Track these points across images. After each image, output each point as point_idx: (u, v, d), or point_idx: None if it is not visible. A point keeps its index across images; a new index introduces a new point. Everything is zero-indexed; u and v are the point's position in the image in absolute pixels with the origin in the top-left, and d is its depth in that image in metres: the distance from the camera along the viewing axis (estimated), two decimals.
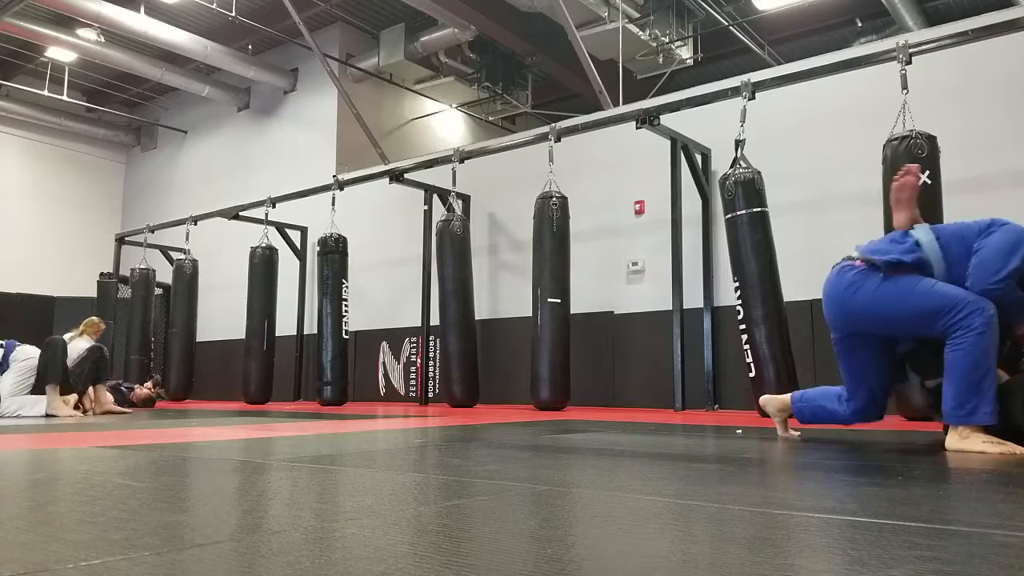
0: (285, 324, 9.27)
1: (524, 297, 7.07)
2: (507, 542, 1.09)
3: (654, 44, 9.40)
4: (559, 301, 6.34)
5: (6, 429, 3.97)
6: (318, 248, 8.03)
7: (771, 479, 1.93)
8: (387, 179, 7.84)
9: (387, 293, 9.04)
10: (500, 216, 8.19)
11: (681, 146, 6.31)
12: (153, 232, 10.26)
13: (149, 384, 7.77)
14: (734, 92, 5.56)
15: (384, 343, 8.96)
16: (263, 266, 8.69)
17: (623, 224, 7.27)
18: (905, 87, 4.70)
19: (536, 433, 3.47)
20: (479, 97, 11.72)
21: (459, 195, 7.52)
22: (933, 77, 5.44)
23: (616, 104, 7.73)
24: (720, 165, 6.21)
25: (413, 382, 8.63)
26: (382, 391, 8.92)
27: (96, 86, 12.40)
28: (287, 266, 9.22)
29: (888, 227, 4.64)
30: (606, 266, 7.28)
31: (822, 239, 6.11)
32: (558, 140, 6.55)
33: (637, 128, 5.98)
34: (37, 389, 5.69)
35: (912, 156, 4.54)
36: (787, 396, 3.06)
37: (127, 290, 9.98)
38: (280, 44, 10.75)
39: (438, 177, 7.79)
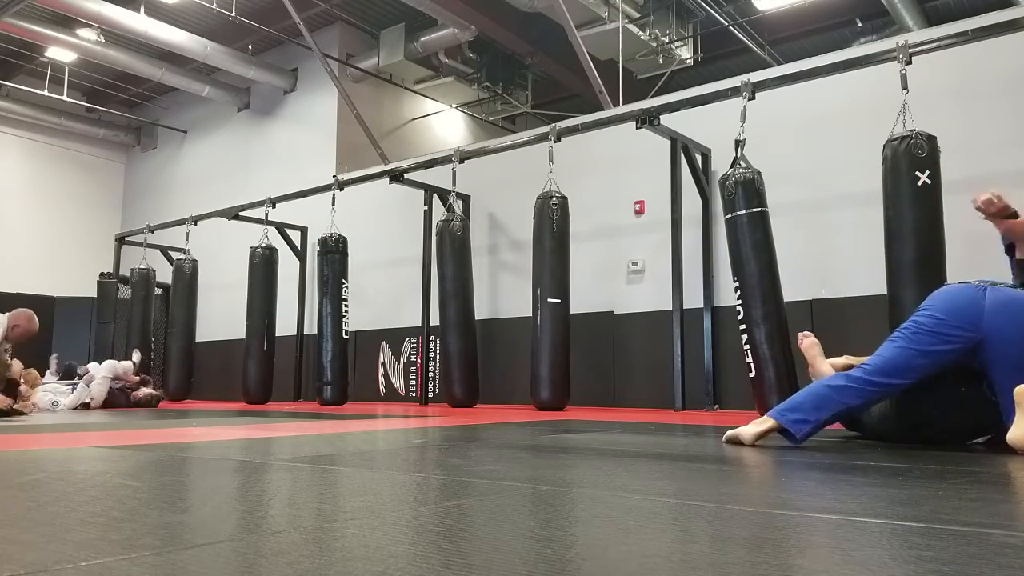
0: (285, 324, 9.27)
1: (524, 297, 7.07)
2: (507, 542, 1.09)
3: (654, 44, 9.40)
4: (559, 301, 6.34)
5: (6, 429, 3.97)
6: (318, 248, 8.03)
7: (771, 479, 1.93)
8: (387, 179, 7.84)
9: (387, 293, 9.04)
10: (500, 216, 8.19)
11: (681, 146, 6.31)
12: (153, 232, 10.26)
13: (151, 387, 7.78)
14: (734, 92, 5.56)
15: (384, 343, 8.96)
16: (263, 266, 8.69)
17: (623, 224, 7.27)
18: (905, 87, 4.70)
19: (536, 433, 3.47)
20: (479, 97, 11.72)
21: (459, 195, 7.52)
22: (933, 77, 5.44)
23: (616, 104, 7.73)
24: (720, 165, 6.21)
25: (413, 382, 8.63)
26: (382, 391, 8.92)
27: (96, 86, 12.40)
28: (287, 266, 9.22)
29: (889, 228, 4.65)
30: (606, 266, 7.28)
31: (822, 239, 6.12)
32: (558, 140, 6.55)
33: (637, 128, 5.98)
34: None
35: (912, 156, 4.54)
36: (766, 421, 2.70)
37: (127, 290, 9.98)
38: (280, 44, 10.75)
39: (438, 177, 7.79)
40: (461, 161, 7.22)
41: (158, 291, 10.20)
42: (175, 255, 9.91)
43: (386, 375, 8.92)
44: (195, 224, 9.67)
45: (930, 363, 2.58)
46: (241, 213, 9.08)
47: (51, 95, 11.25)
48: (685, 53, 9.82)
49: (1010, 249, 2.89)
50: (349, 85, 10.27)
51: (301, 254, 9.61)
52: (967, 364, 2.60)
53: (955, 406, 2.69)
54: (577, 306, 6.67)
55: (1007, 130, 5.42)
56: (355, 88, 10.41)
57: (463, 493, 1.60)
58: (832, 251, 6.08)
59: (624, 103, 7.69)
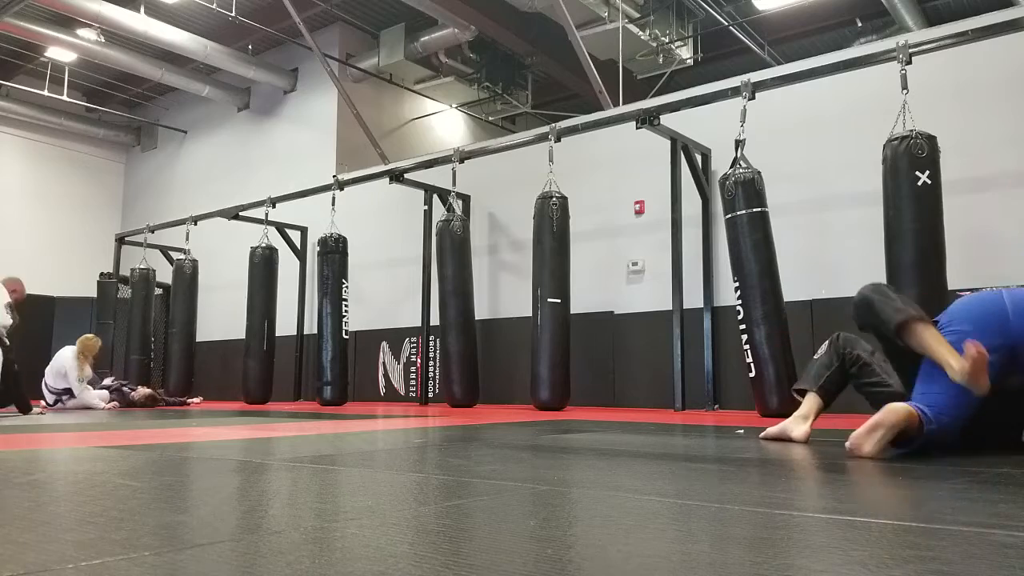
0: (285, 324, 9.27)
1: (524, 297, 7.07)
2: (507, 542, 1.09)
3: (654, 44, 9.40)
4: (559, 301, 6.34)
5: (6, 429, 3.97)
6: (318, 248, 8.03)
7: (771, 479, 1.93)
8: (387, 179, 7.84)
9: (387, 293, 9.04)
10: (500, 216, 8.19)
11: (681, 146, 6.31)
12: (153, 232, 10.26)
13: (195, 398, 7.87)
14: (734, 92, 5.57)
15: (384, 343, 8.96)
16: (263, 266, 8.69)
17: (623, 224, 7.27)
18: (905, 87, 4.70)
19: (536, 433, 3.47)
20: (479, 97, 11.72)
21: (459, 195, 7.52)
22: (933, 77, 5.44)
23: (616, 104, 7.73)
24: (720, 165, 6.21)
25: (413, 382, 8.63)
26: (382, 391, 8.92)
27: (96, 86, 12.40)
28: (287, 266, 9.22)
29: (889, 228, 4.65)
30: (606, 266, 7.28)
31: (822, 239, 6.12)
32: (558, 140, 6.55)
33: (637, 128, 5.98)
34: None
35: (912, 156, 4.54)
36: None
37: (127, 290, 9.98)
38: (280, 44, 10.75)
39: (438, 177, 7.79)
40: (461, 161, 7.22)
41: (158, 291, 10.20)
42: (175, 255, 9.91)
43: (386, 375, 8.92)
44: (195, 224, 9.67)
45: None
46: (241, 213, 9.08)
47: (51, 95, 11.24)
48: (685, 53, 9.82)
49: None
50: (349, 85, 10.27)
51: (301, 254, 9.61)
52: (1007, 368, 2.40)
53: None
54: (577, 306, 6.67)
55: (1007, 130, 5.42)
56: (355, 88, 10.40)
57: (463, 493, 1.60)
58: (832, 251, 6.08)
59: (624, 103, 7.69)
